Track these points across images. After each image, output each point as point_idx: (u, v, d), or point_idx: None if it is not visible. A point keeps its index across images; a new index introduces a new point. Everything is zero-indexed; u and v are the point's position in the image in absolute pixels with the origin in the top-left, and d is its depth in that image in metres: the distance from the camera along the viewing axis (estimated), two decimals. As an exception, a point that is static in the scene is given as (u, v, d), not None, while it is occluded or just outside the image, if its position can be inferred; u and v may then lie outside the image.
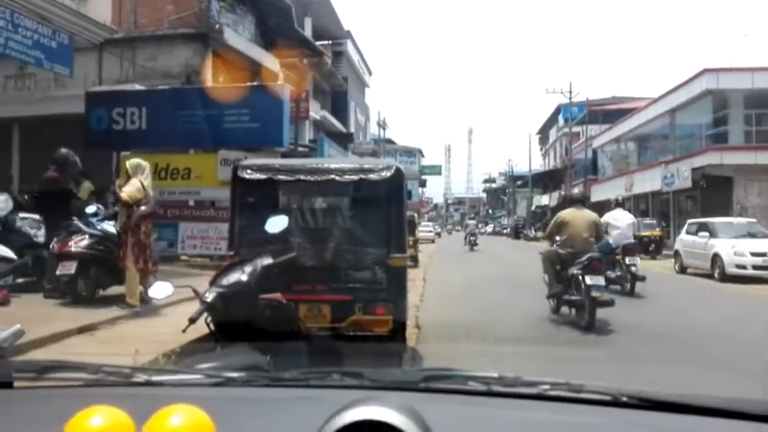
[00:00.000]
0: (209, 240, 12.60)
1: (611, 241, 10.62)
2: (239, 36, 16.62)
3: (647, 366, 5.31)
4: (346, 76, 31.65)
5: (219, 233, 11.52)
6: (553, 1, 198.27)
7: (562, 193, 45.51)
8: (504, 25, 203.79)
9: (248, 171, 5.15)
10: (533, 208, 57.38)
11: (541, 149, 62.91)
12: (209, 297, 3.95)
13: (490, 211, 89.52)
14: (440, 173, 72.27)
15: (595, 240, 8.13)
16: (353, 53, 34.82)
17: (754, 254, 13.77)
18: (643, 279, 10.78)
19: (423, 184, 63.06)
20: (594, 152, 39.09)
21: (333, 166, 5.36)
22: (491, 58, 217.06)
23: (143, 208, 7.17)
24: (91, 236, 7.50)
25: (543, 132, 61.61)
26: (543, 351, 5.71)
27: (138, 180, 7.21)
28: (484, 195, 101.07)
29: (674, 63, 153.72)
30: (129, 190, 7.12)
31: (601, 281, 7.40)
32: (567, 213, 8.24)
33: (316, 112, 24.95)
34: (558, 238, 8.11)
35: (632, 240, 11.38)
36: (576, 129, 42.56)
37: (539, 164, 60.50)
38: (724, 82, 22.99)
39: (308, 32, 23.79)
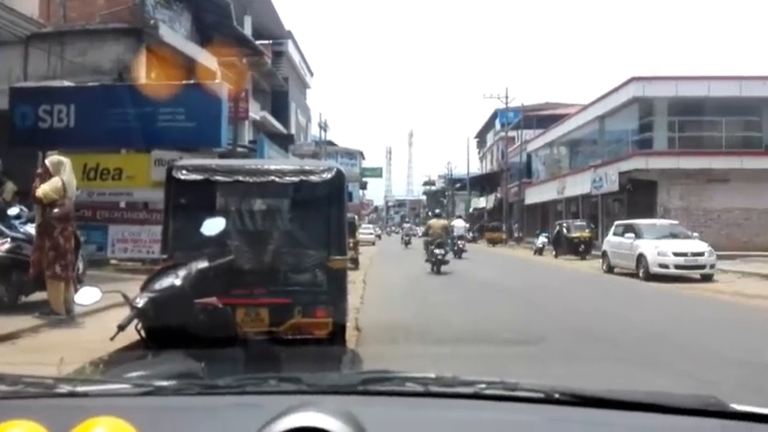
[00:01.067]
0: (141, 243, 12.16)
1: (454, 233, 20.96)
2: (175, 33, 16.14)
3: (581, 364, 5.51)
4: (287, 77, 31.30)
5: (153, 236, 11.14)
6: (490, 8, 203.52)
7: (498, 195, 46.68)
8: (444, 30, 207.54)
9: (184, 171, 5.00)
10: (471, 210, 58.59)
11: (479, 153, 64.34)
12: (140, 302, 3.81)
13: (429, 213, 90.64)
14: (380, 175, 72.56)
15: (446, 234, 16.92)
16: (294, 53, 34.49)
17: (676, 254, 14.54)
18: (465, 251, 22.46)
19: (363, 186, 63.21)
20: (529, 156, 40.34)
21: (272, 167, 5.29)
22: (431, 63, 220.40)
23: (56, 210, 6.72)
24: (13, 239, 7.09)
25: (481, 136, 63.01)
26: (481, 351, 5.82)
27: (59, 179, 6.76)
28: (424, 198, 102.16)
29: (605, 70, 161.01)
30: (45, 189, 6.65)
31: (443, 251, 15.63)
32: (432, 221, 17.69)
33: (255, 112, 24.56)
34: (429, 232, 16.73)
35: (463, 233, 24.10)
36: (511, 133, 43.78)
37: (477, 167, 61.87)
38: (650, 90, 24.18)
39: (247, 31, 23.38)
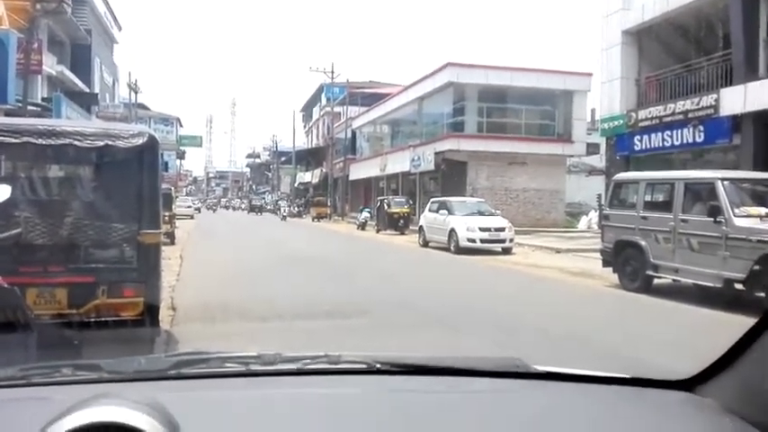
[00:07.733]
0: None
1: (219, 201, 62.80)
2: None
3: (401, 333, 5.77)
4: (90, 29, 28.02)
5: None
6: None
7: (324, 170, 47.17)
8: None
9: (-45, 129, 4.21)
10: (297, 184, 58.50)
11: (305, 127, 64.19)
12: None
13: (254, 187, 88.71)
14: (200, 144, 68.68)
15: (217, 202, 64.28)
16: (99, 3, 31.03)
17: (482, 229, 15.98)
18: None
19: (181, 155, 59.45)
20: (354, 132, 41.28)
21: (71, 128, 4.67)
22: (256, 28, 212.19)
23: None
24: None
25: (307, 110, 62.85)
26: (305, 325, 5.83)
27: None
28: (248, 170, 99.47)
29: (425, 55, 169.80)
30: None
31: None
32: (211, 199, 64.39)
33: (51, 66, 21.71)
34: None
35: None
36: (337, 109, 44.32)
37: (302, 141, 61.65)
38: (463, 76, 26.10)
39: (41, -28, 20.34)
